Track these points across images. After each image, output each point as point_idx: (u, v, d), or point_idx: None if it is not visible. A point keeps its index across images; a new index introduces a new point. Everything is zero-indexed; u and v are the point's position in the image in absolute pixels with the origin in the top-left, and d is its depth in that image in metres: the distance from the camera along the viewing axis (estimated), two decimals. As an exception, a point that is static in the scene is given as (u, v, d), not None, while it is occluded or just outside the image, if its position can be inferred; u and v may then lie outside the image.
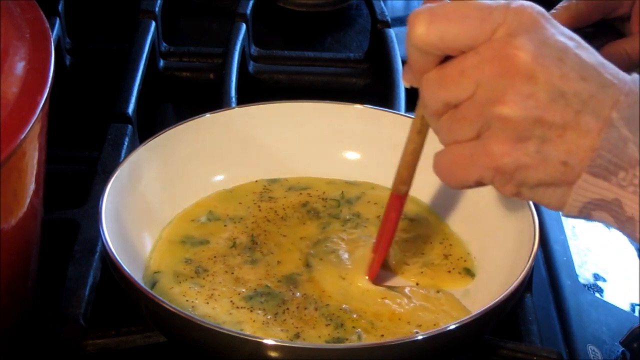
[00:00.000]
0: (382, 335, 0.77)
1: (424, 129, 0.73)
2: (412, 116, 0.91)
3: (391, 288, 0.81)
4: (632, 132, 0.62)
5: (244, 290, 0.80)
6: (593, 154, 0.62)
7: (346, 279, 0.81)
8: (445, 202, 0.89)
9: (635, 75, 0.64)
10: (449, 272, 0.83)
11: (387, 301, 0.79)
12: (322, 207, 0.89)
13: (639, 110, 0.62)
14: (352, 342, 0.76)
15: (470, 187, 0.68)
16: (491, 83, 0.63)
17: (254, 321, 0.77)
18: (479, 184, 0.67)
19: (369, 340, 0.76)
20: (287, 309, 0.78)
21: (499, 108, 0.63)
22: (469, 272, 0.83)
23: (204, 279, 0.81)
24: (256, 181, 0.91)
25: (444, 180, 0.69)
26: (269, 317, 0.78)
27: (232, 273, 0.82)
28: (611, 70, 0.63)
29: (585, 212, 0.65)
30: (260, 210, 0.88)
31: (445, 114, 0.66)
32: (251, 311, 0.78)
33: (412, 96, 0.76)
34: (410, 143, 0.74)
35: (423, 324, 0.78)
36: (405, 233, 0.86)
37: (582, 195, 0.64)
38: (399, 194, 0.78)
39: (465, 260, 0.84)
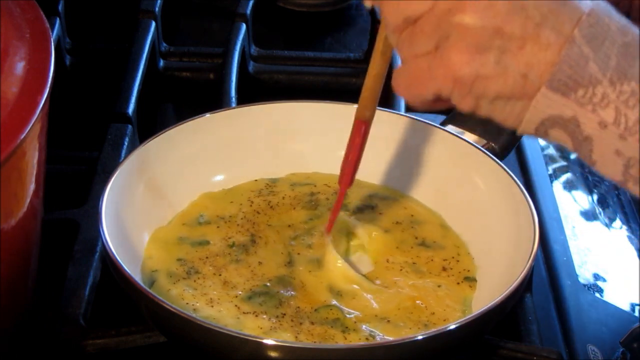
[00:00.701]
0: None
1: (387, 51, 0.73)
2: (413, 116, 0.92)
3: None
4: (594, 51, 0.62)
5: (240, 292, 0.80)
6: (553, 68, 0.62)
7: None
8: (444, 202, 0.89)
9: None
10: (458, 283, 0.83)
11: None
12: (326, 200, 0.89)
13: (601, 31, 0.62)
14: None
15: (428, 101, 0.67)
16: None
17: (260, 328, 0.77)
18: (438, 98, 0.66)
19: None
20: (284, 314, 0.78)
21: (458, 16, 0.63)
22: (469, 280, 0.83)
23: (194, 281, 0.81)
24: (256, 180, 0.91)
25: (403, 95, 0.69)
26: (273, 320, 0.78)
27: (220, 275, 0.82)
28: None
29: (543, 130, 0.64)
30: (252, 205, 0.88)
31: (406, 29, 0.66)
32: (256, 316, 0.78)
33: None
34: (373, 67, 0.74)
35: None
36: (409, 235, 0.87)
37: (540, 111, 0.63)
38: (363, 119, 0.78)
39: (468, 270, 0.84)
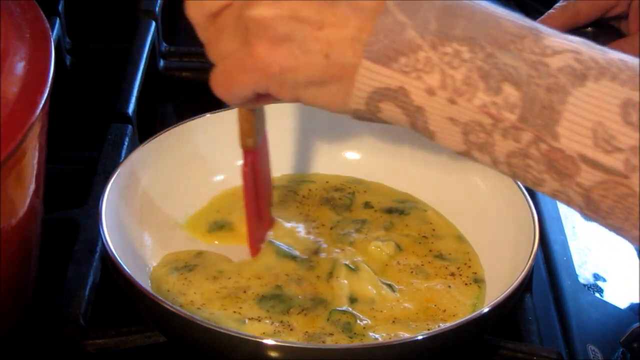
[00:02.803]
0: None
1: None
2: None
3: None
4: (410, 18, 0.60)
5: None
6: (358, 43, 0.61)
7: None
8: (444, 201, 0.89)
9: None
10: (466, 285, 0.83)
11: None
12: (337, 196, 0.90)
13: None
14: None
15: (249, 99, 0.67)
16: None
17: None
18: (257, 94, 0.66)
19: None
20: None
21: (253, 10, 0.63)
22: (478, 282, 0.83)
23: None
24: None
25: (222, 96, 0.69)
26: (276, 324, 0.78)
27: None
28: None
29: (373, 106, 0.63)
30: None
31: (210, 27, 0.66)
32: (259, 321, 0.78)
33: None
34: None
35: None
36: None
37: (365, 84, 0.62)
38: (247, 148, 0.78)
39: (475, 273, 0.84)
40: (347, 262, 0.81)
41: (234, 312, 0.77)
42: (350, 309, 0.78)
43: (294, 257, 0.82)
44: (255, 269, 0.81)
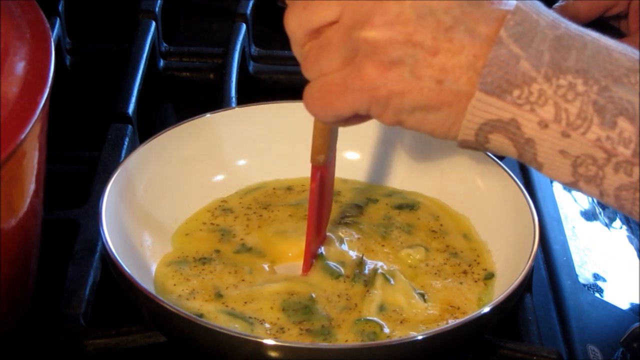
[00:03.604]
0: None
1: None
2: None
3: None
4: (523, 50, 0.60)
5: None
6: (473, 71, 0.60)
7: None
8: (444, 201, 0.89)
9: None
10: (476, 282, 0.83)
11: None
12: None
13: (530, 27, 0.61)
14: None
15: (346, 119, 0.66)
16: (357, 4, 0.62)
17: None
18: (356, 115, 0.65)
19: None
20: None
21: (366, 31, 0.62)
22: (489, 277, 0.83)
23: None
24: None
25: (317, 113, 0.67)
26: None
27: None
28: None
29: (482, 136, 0.62)
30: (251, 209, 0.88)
31: (311, 41, 0.65)
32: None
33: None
34: None
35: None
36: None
37: (477, 116, 0.62)
38: (317, 164, 0.77)
39: (485, 269, 0.84)
40: (383, 272, 0.81)
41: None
42: (376, 319, 0.78)
43: (339, 276, 0.81)
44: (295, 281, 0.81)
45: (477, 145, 0.63)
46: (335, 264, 0.82)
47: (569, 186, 0.62)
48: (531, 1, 0.62)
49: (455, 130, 0.63)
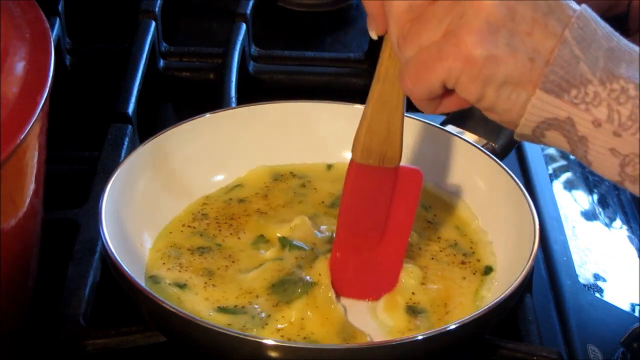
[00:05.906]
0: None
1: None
2: (412, 117, 0.92)
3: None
4: (583, 53, 0.64)
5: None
6: (546, 69, 0.63)
7: None
8: (443, 202, 0.89)
9: (583, 5, 0.65)
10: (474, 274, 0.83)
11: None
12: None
13: (589, 34, 0.64)
14: None
15: (435, 93, 0.67)
16: None
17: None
18: (443, 85, 0.66)
19: None
20: None
21: None
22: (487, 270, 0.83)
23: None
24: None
25: (408, 88, 0.67)
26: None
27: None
28: None
29: (539, 132, 0.65)
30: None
31: (414, 16, 0.66)
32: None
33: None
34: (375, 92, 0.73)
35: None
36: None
37: (535, 115, 0.65)
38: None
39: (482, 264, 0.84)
40: None
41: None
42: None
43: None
44: None
45: (533, 139, 0.67)
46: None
47: (615, 183, 0.66)
48: (592, 12, 0.65)
49: (518, 122, 0.66)
